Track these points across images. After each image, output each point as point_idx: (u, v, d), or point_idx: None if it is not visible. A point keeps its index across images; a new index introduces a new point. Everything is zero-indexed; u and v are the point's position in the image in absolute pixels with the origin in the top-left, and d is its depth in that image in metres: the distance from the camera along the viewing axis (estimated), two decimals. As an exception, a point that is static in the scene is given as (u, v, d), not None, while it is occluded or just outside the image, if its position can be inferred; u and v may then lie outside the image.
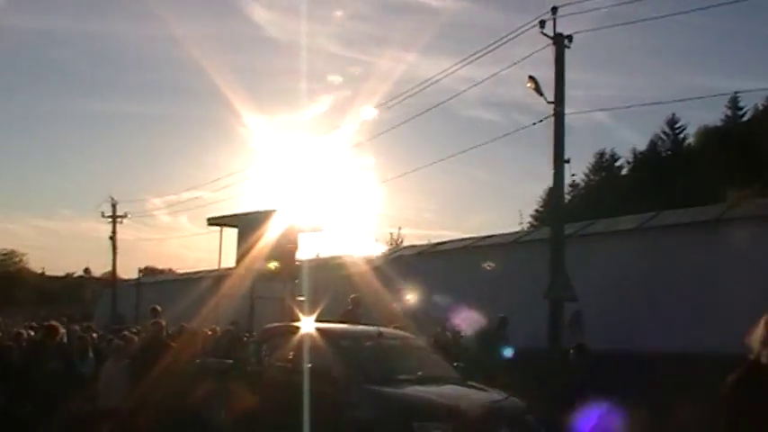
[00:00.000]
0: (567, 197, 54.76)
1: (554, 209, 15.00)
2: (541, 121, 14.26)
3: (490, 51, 15.02)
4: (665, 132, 46.38)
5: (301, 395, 8.23)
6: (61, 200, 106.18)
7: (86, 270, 68.17)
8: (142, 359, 9.27)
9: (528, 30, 14.30)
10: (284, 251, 12.63)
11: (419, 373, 8.88)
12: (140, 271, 62.33)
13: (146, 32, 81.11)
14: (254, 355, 10.16)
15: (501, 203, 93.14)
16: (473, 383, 8.81)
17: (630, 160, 49.98)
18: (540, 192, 52.31)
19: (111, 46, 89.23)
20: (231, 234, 14.50)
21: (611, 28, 16.84)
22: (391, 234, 47.10)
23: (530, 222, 51.74)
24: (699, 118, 59.48)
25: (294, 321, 10.74)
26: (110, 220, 35.93)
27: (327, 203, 23.08)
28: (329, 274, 17.37)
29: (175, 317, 14.27)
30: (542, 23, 13.86)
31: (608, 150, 51.79)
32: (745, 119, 45.10)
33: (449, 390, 8.30)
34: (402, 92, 17.41)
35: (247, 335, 11.76)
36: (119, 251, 36.76)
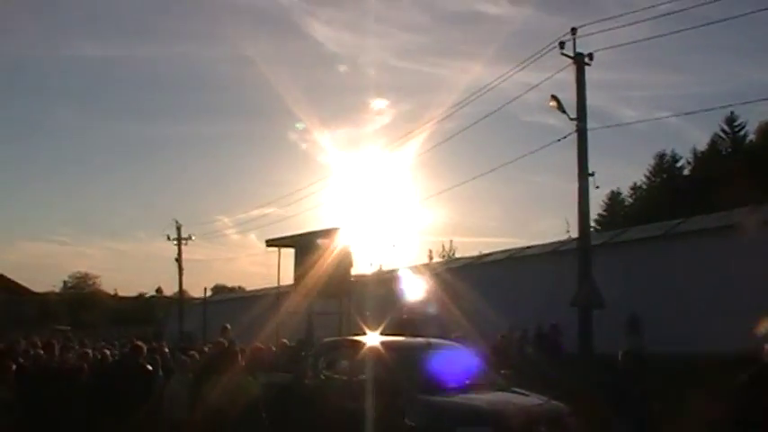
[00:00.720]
0: (629, 199, 54.67)
1: (580, 220, 15.36)
2: (565, 137, 14.72)
3: (545, 54, 15.38)
4: (723, 131, 45.59)
5: (357, 404, 8.92)
6: (134, 222, 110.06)
7: (158, 290, 70.12)
8: (205, 374, 9.97)
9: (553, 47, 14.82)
10: (339, 269, 13.33)
11: (466, 382, 9.45)
12: (211, 289, 64.59)
13: (208, 53, 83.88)
14: (313, 368, 10.84)
15: (565, 209, 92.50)
16: (517, 389, 9.29)
17: (691, 160, 49.17)
18: (601, 196, 51.84)
19: (174, 68, 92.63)
20: (290, 253, 15.29)
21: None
22: (443, 245, 47.32)
23: (593, 227, 51.44)
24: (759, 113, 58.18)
25: (359, 335, 11.35)
26: (176, 242, 37.91)
27: (389, 217, 23.46)
28: (386, 287, 18.03)
29: (240, 334, 15.11)
30: (562, 45, 14.40)
31: (668, 151, 51.09)
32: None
33: (492, 396, 8.81)
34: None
35: (306, 350, 12.43)
36: (191, 271, 38.93)
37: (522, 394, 9.08)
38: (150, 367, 10.40)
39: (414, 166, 22.09)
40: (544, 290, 17.24)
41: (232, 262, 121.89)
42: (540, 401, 8.78)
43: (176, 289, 44.49)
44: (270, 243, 15.80)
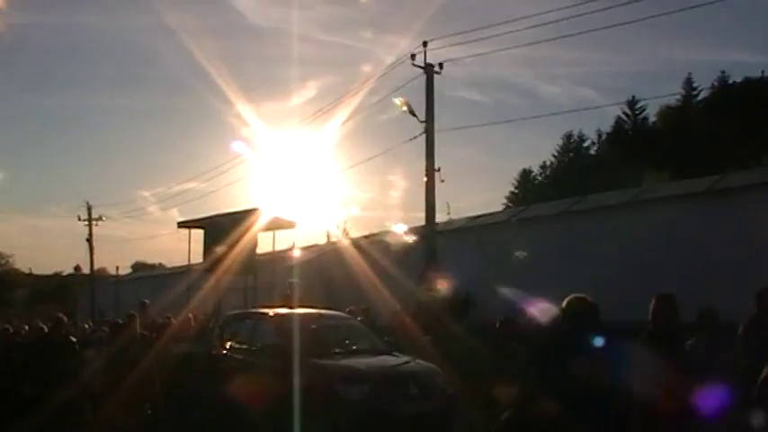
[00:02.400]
0: (539, 178, 57.20)
1: (427, 211, 17.50)
2: (415, 137, 16.67)
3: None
4: (625, 113, 48.39)
5: (255, 370, 10.13)
6: (49, 198, 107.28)
7: (77, 268, 69.49)
8: (117, 348, 10.84)
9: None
10: (244, 249, 14.44)
11: (352, 347, 10.79)
12: (132, 267, 64.41)
13: (129, 22, 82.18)
14: (218, 339, 11.96)
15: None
16: (397, 354, 10.65)
17: (595, 141, 52.00)
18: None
19: (96, 38, 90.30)
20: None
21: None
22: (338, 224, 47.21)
23: (504, 204, 53.73)
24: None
25: (262, 308, 12.46)
26: (86, 222, 38.75)
27: (308, 192, 24.05)
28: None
29: (159, 310, 16.11)
30: (413, 56, 16.24)
31: (575, 132, 53.83)
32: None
33: (372, 359, 10.14)
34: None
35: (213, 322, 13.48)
36: (111, 248, 39.69)
37: (399, 357, 10.42)
38: (74, 339, 11.21)
39: (337, 140, 22.86)
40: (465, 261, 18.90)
41: (155, 239, 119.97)
42: (413, 363, 10.14)
43: (95, 267, 44.80)
44: (181, 225, 16.86)
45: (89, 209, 39.50)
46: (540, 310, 11.84)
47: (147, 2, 70.46)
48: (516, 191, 56.40)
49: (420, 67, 16.53)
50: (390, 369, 9.70)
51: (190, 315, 14.04)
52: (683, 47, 68.66)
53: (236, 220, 14.72)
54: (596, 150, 50.77)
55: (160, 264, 64.44)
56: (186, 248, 16.27)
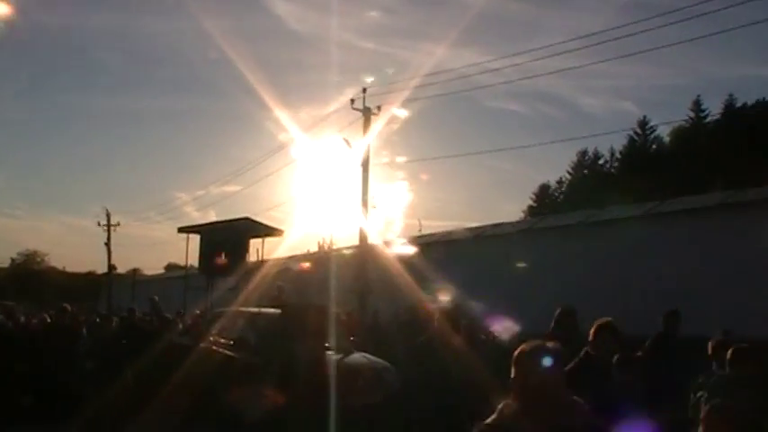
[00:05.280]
0: (556, 193, 58.15)
1: (361, 234, 19.51)
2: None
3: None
4: (636, 132, 49.23)
5: (227, 359, 11.57)
6: (91, 197, 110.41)
7: (113, 267, 71.74)
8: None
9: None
10: (235, 254, 15.99)
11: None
12: (165, 267, 67.07)
13: (171, 27, 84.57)
14: (206, 332, 13.41)
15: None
16: (354, 351, 11.99)
17: (608, 159, 52.87)
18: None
19: (137, 42, 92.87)
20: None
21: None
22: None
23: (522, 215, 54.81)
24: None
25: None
26: (108, 226, 41.45)
27: (340, 199, 25.21)
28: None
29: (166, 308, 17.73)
30: (352, 101, 18.13)
31: (590, 149, 54.73)
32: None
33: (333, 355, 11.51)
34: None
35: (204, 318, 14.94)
36: (148, 249, 42.86)
37: (354, 354, 11.75)
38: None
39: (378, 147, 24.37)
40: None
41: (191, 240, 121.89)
42: (367, 360, 11.49)
43: (131, 266, 48.08)
44: (181, 230, 18.53)
45: (108, 215, 43.02)
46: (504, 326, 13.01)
47: (185, 6, 72.68)
48: (534, 204, 57.42)
49: (358, 110, 18.61)
50: (340, 362, 11.05)
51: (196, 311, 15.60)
52: (721, 62, 69.07)
53: (229, 228, 16.27)
54: (610, 168, 51.71)
55: (191, 265, 66.51)
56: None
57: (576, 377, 4.40)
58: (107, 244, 42.74)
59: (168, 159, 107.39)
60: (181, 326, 14.89)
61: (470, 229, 25.15)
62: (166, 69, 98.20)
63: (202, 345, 12.76)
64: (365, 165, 18.61)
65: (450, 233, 25.99)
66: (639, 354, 7.93)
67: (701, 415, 4.30)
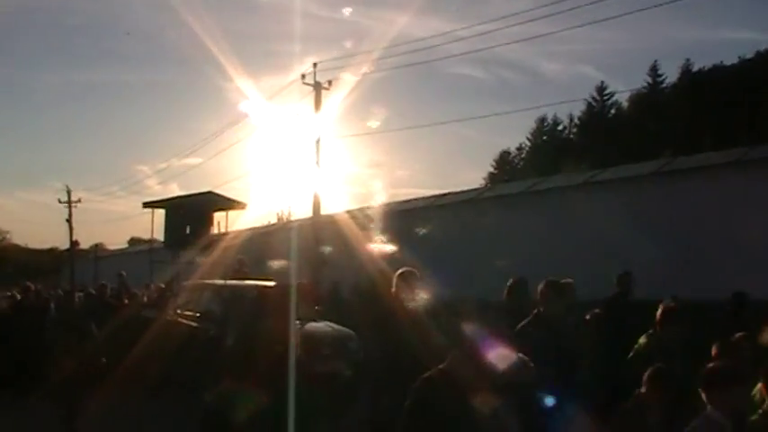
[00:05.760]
0: (516, 160, 58.82)
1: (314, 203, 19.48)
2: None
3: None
4: (594, 98, 49.90)
5: (194, 331, 11.84)
6: (51, 173, 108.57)
7: (75, 242, 71.08)
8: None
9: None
10: (199, 227, 16.20)
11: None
12: (128, 242, 66.66)
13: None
14: (173, 305, 13.68)
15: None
16: (323, 321, 12.32)
17: (567, 125, 53.59)
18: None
19: (96, 13, 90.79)
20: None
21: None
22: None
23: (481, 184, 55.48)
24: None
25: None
26: (69, 203, 41.39)
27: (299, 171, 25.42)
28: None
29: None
30: (303, 76, 18.45)
31: (549, 115, 55.39)
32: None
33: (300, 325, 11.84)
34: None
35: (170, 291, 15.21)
36: (110, 224, 42.58)
37: (324, 324, 12.08)
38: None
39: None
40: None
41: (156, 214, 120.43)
42: (331, 329, 11.84)
43: (94, 241, 47.63)
44: (146, 205, 18.63)
45: (69, 192, 42.49)
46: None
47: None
48: (495, 171, 58.02)
49: (309, 84, 18.73)
50: (305, 330, 11.39)
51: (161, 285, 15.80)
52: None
53: (194, 202, 16.44)
54: (569, 134, 52.43)
55: (154, 239, 65.99)
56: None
57: (525, 334, 5.07)
58: (68, 221, 42.42)
59: (129, 132, 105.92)
60: (146, 298, 15.11)
61: (423, 199, 25.69)
62: (123, 40, 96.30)
63: (168, 317, 13.07)
64: (317, 139, 18.66)
65: (406, 202, 26.43)
66: (597, 311, 8.41)
67: (644, 378, 4.72)
